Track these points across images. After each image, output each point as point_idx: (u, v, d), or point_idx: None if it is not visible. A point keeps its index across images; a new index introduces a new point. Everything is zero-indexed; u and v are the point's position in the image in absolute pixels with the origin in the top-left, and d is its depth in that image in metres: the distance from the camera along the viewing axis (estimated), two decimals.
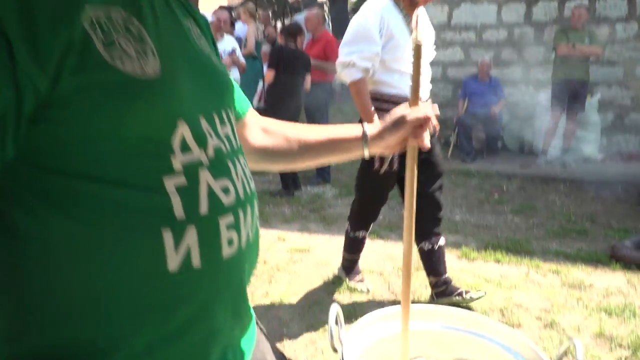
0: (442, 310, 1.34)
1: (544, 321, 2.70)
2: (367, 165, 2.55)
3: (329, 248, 3.70)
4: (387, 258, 3.54)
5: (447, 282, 2.66)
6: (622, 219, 4.61)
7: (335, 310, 1.29)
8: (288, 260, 3.45)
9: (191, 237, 0.50)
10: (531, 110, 6.65)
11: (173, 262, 0.49)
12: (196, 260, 0.51)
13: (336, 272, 3.18)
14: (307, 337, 2.50)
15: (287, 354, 2.46)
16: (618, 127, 6.70)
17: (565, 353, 0.90)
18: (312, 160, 0.87)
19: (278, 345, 2.45)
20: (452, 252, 3.70)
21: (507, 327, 1.31)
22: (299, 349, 2.40)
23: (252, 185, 0.63)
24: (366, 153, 0.86)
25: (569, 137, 6.23)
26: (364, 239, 2.98)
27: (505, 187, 5.54)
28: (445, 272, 2.71)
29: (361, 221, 2.90)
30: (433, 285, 2.67)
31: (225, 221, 0.54)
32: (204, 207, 0.52)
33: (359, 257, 3.07)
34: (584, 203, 5.02)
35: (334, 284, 3.08)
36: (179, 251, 0.50)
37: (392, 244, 3.83)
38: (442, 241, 2.70)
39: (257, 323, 0.73)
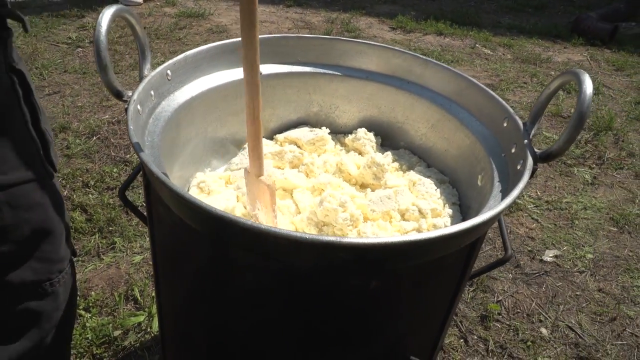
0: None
1: None
2: None
3: (231, 15, 2.88)
4: (304, 27, 2.79)
5: None
6: None
7: (111, 14, 0.60)
8: (173, 27, 2.63)
9: None
10: None
11: None
12: None
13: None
14: None
15: None
16: None
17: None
18: None
19: None
20: (385, 22, 2.98)
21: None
22: None
23: None
24: None
25: None
26: None
27: None
28: None
29: None
30: None
31: None
32: None
33: None
34: None
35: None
36: None
37: (312, 13, 3.05)
38: None
39: None
